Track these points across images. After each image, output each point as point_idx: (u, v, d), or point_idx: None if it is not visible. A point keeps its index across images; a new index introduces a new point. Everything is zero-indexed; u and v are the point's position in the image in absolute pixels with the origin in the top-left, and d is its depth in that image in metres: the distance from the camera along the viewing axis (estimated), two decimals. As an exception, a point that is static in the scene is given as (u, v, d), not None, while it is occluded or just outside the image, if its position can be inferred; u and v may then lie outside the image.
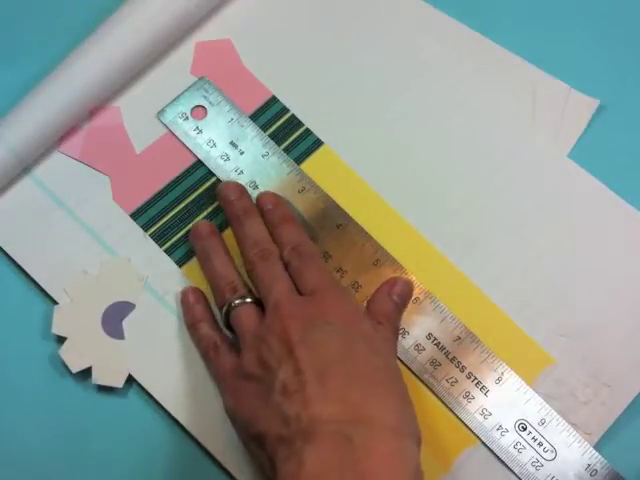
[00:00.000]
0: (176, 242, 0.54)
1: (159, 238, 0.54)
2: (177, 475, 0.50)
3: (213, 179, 0.56)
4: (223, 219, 0.54)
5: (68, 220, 0.54)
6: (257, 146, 0.56)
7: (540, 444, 0.49)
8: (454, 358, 0.51)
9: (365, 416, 0.44)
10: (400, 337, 0.51)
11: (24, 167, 0.55)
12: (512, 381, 0.51)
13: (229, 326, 0.51)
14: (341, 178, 0.56)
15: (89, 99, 0.55)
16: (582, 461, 0.49)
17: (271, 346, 0.46)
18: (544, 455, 0.49)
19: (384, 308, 0.51)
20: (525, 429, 0.50)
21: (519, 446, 0.49)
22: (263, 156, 0.56)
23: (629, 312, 0.52)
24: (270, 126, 0.57)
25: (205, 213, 0.55)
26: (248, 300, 0.50)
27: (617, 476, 0.49)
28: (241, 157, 0.56)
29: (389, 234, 0.54)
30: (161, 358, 0.51)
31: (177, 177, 0.56)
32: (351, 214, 0.54)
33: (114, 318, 0.52)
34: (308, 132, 0.57)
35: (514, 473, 0.49)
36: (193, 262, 0.54)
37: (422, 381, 0.51)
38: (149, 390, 0.51)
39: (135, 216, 0.55)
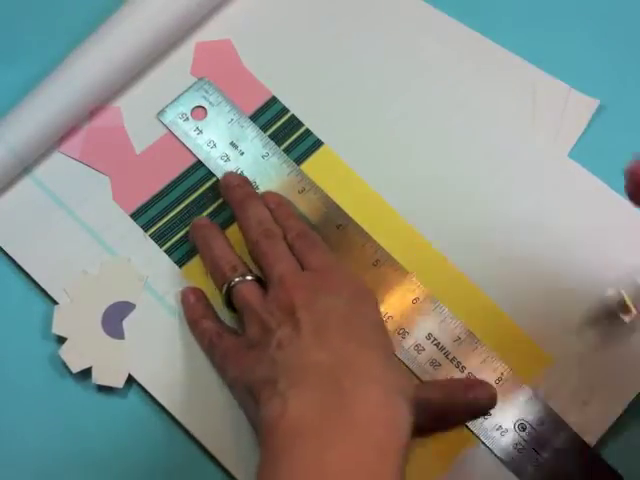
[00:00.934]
0: (176, 242, 0.54)
1: (159, 238, 0.54)
2: (177, 475, 0.50)
3: (213, 179, 0.56)
4: (224, 219, 0.54)
5: (68, 220, 0.54)
6: (257, 147, 0.56)
7: (540, 444, 0.49)
8: (454, 358, 0.51)
9: (357, 366, 0.44)
10: (400, 337, 0.51)
11: (24, 167, 0.55)
12: (512, 381, 0.51)
13: (230, 306, 0.51)
14: (341, 178, 0.56)
15: (89, 99, 0.55)
16: (581, 461, 0.49)
17: (274, 313, 0.47)
18: (544, 455, 0.49)
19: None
20: (525, 429, 0.50)
21: (519, 446, 0.49)
22: (263, 157, 0.56)
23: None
24: (270, 126, 0.57)
25: (205, 213, 0.55)
26: (249, 278, 0.50)
27: (617, 476, 0.49)
28: (241, 158, 0.56)
29: (389, 234, 0.54)
30: (161, 358, 0.51)
31: (177, 177, 0.56)
32: (351, 214, 0.54)
33: (114, 318, 0.52)
34: (308, 132, 0.57)
35: (514, 473, 0.49)
36: (193, 262, 0.54)
37: (422, 381, 0.51)
38: (149, 390, 0.51)
39: (135, 216, 0.55)
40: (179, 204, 0.55)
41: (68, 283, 0.53)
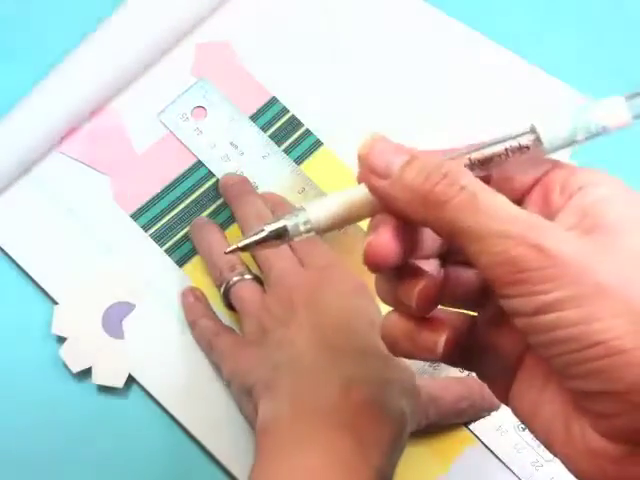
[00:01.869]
0: (176, 242, 0.54)
1: (159, 238, 0.54)
2: (177, 475, 0.50)
3: (213, 179, 0.56)
4: (224, 219, 0.55)
5: (68, 220, 0.54)
6: (257, 147, 0.56)
7: (540, 444, 0.49)
8: (454, 358, 0.51)
9: (355, 366, 0.44)
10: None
11: (24, 167, 0.55)
12: (512, 381, 0.51)
13: (229, 306, 0.51)
14: (340, 179, 0.56)
15: (90, 99, 0.55)
16: (582, 461, 0.49)
17: (273, 312, 0.47)
18: (544, 455, 0.49)
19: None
20: (525, 429, 0.50)
21: (519, 446, 0.49)
22: (263, 157, 0.56)
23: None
24: (270, 127, 0.57)
25: (205, 213, 0.55)
26: (247, 277, 0.50)
27: (617, 476, 0.49)
28: (241, 158, 0.56)
29: (389, 234, 0.54)
30: (161, 358, 0.51)
31: (177, 178, 0.56)
32: (351, 214, 0.54)
33: (114, 318, 0.52)
34: (308, 133, 0.57)
35: (514, 473, 0.49)
36: (193, 262, 0.54)
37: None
38: (149, 390, 0.51)
39: (135, 216, 0.55)
40: (179, 204, 0.55)
41: (68, 283, 0.53)
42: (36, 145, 0.54)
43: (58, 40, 0.57)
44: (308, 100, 0.58)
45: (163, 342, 0.52)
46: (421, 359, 0.35)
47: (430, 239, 0.35)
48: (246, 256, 0.52)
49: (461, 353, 0.34)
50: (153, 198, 0.55)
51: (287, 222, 0.34)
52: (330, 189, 0.55)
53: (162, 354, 0.51)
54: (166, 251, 0.54)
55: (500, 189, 0.31)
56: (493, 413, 0.50)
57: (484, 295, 0.35)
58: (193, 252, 0.54)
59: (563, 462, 0.31)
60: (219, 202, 0.55)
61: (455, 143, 0.53)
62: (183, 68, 0.58)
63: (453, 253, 0.36)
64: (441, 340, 0.33)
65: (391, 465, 0.42)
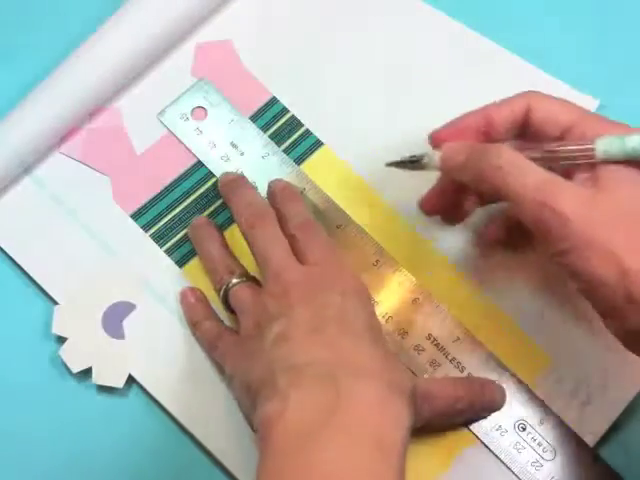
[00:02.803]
0: (176, 243, 0.54)
1: (159, 239, 0.54)
2: (177, 475, 0.50)
3: (213, 180, 0.56)
4: (224, 219, 0.55)
5: (68, 220, 0.54)
6: (257, 147, 0.56)
7: (540, 444, 0.49)
8: (454, 359, 0.51)
9: (354, 363, 0.44)
10: (400, 338, 0.51)
11: (25, 167, 0.55)
12: (511, 381, 0.50)
13: (229, 309, 0.51)
14: (341, 179, 0.56)
15: (90, 100, 0.55)
16: (581, 461, 0.49)
17: (269, 308, 0.46)
18: (544, 455, 0.49)
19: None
20: (525, 429, 0.50)
21: (519, 446, 0.49)
22: (263, 157, 0.56)
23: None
24: (270, 127, 0.57)
25: (205, 214, 0.55)
26: (245, 279, 0.50)
27: (617, 476, 0.49)
28: (241, 158, 0.56)
29: (389, 235, 0.54)
30: (161, 358, 0.51)
31: (177, 178, 0.56)
32: (351, 215, 0.54)
33: (114, 318, 0.52)
34: (308, 133, 0.57)
35: (514, 473, 0.49)
36: (193, 263, 0.54)
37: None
38: (149, 390, 0.51)
39: (135, 217, 0.55)
40: (179, 204, 0.55)
41: (68, 283, 0.53)
42: (36, 145, 0.54)
43: (58, 40, 0.57)
44: (308, 100, 0.58)
45: (163, 342, 0.52)
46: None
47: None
48: (246, 258, 0.52)
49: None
50: (153, 198, 0.55)
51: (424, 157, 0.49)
52: (331, 189, 0.55)
53: (162, 354, 0.51)
54: (166, 251, 0.54)
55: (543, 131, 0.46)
56: (493, 413, 0.50)
57: None
58: (193, 252, 0.54)
59: None
60: (219, 202, 0.55)
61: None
62: (183, 68, 0.58)
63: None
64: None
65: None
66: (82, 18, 0.57)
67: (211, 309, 0.52)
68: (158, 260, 0.54)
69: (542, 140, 0.46)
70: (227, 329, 0.51)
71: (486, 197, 0.51)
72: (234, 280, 0.50)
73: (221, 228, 0.54)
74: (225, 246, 0.53)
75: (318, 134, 0.57)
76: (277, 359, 0.44)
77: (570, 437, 0.49)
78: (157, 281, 0.53)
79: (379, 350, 0.45)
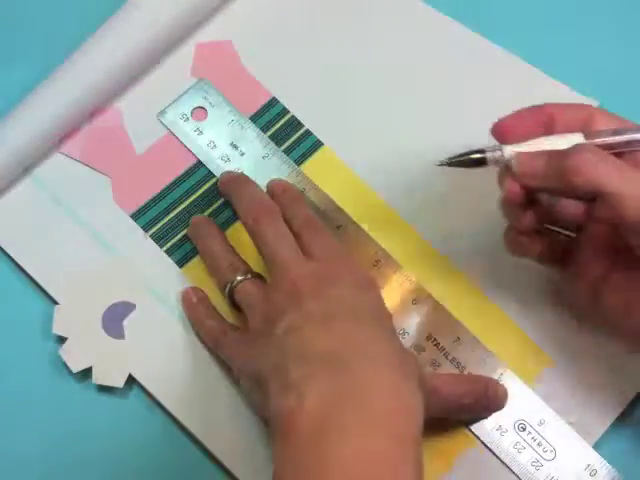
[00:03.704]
0: (177, 243, 0.54)
1: (159, 239, 0.54)
2: (177, 475, 0.50)
3: (213, 180, 0.56)
4: (224, 219, 0.55)
5: (68, 220, 0.54)
6: (257, 147, 0.56)
7: (540, 444, 0.49)
8: (454, 359, 0.51)
9: (368, 351, 0.43)
10: (400, 337, 0.51)
11: (25, 167, 0.55)
12: (511, 381, 0.50)
13: (234, 306, 0.51)
14: (341, 179, 0.56)
15: (90, 100, 0.55)
16: (582, 461, 0.49)
17: (278, 303, 0.46)
18: (544, 455, 0.49)
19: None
20: (525, 429, 0.50)
21: (519, 446, 0.49)
22: (263, 157, 0.56)
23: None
24: (270, 127, 0.57)
25: (206, 214, 0.55)
26: (249, 276, 0.50)
27: (616, 476, 0.49)
28: (241, 158, 0.56)
29: (389, 235, 0.54)
30: (161, 358, 0.51)
31: (177, 178, 0.56)
32: (351, 215, 0.54)
33: (114, 318, 0.52)
34: (308, 133, 0.57)
35: (514, 473, 0.49)
36: (193, 263, 0.54)
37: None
38: (149, 390, 0.51)
39: (135, 217, 0.55)
40: (179, 205, 0.55)
41: (68, 283, 0.53)
42: (36, 145, 0.54)
43: (58, 40, 0.57)
44: (308, 100, 0.58)
45: (163, 342, 0.52)
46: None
47: None
48: (248, 256, 0.52)
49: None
50: (153, 198, 0.55)
51: (487, 154, 0.46)
52: (331, 189, 0.55)
53: (162, 354, 0.51)
54: (166, 251, 0.54)
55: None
56: (494, 413, 0.50)
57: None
58: (193, 252, 0.54)
59: None
60: (219, 203, 0.55)
61: (453, 142, 0.53)
62: (183, 69, 0.58)
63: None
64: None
65: None
66: (82, 18, 0.57)
67: (213, 307, 0.52)
68: (158, 260, 0.54)
69: None
70: (231, 326, 0.51)
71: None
72: (239, 277, 0.50)
73: (222, 227, 0.54)
74: (227, 243, 0.53)
75: (318, 134, 0.57)
76: (289, 350, 0.44)
77: (570, 437, 0.49)
78: (157, 281, 0.53)
79: (390, 339, 0.45)
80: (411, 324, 0.52)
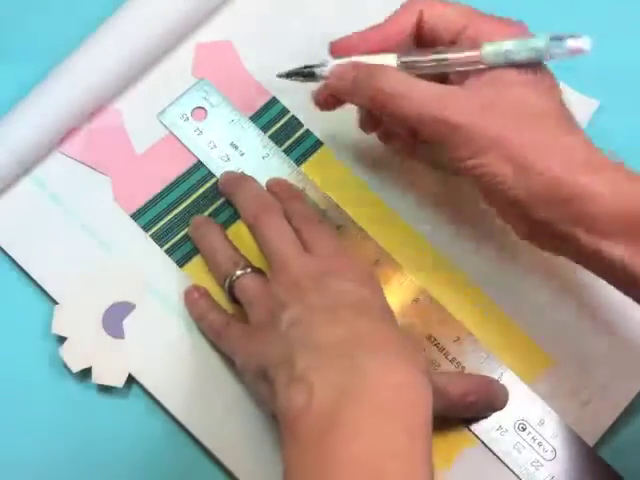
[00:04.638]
0: (177, 243, 0.54)
1: (160, 239, 0.54)
2: (177, 475, 0.50)
3: (213, 180, 0.56)
4: (224, 219, 0.55)
5: (68, 220, 0.54)
6: (257, 147, 0.56)
7: (540, 444, 0.49)
8: (454, 359, 0.51)
9: (373, 343, 0.43)
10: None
11: (25, 167, 0.55)
12: (512, 381, 0.51)
13: (234, 300, 0.51)
14: (341, 179, 0.56)
15: (90, 100, 0.55)
16: (581, 461, 0.49)
17: (280, 296, 0.46)
18: (544, 455, 0.49)
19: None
20: (525, 429, 0.50)
21: (519, 446, 0.49)
22: (263, 157, 0.56)
23: (629, 316, 0.52)
24: (270, 127, 0.57)
25: (206, 214, 0.55)
26: (249, 270, 0.50)
27: (616, 476, 0.49)
28: (241, 158, 0.56)
29: (388, 235, 0.54)
30: (161, 358, 0.51)
31: (178, 178, 0.56)
32: (351, 215, 0.55)
33: (114, 318, 0.52)
34: (308, 133, 0.57)
35: (514, 473, 0.49)
36: (193, 263, 0.54)
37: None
38: (149, 389, 0.51)
39: (135, 217, 0.55)
40: (179, 204, 0.55)
41: (68, 283, 0.53)
42: (36, 145, 0.54)
43: (58, 40, 0.57)
44: (308, 101, 0.57)
45: (163, 342, 0.52)
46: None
47: None
48: (249, 255, 0.52)
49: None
50: (153, 198, 0.55)
51: (315, 68, 0.50)
52: (330, 190, 0.55)
53: (162, 354, 0.51)
54: (166, 251, 0.54)
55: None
56: (494, 413, 0.50)
57: None
58: (193, 252, 0.54)
59: None
60: (219, 202, 0.55)
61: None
62: (183, 69, 0.58)
63: None
64: None
65: None
66: (82, 18, 0.57)
67: (216, 303, 0.52)
68: (158, 260, 0.54)
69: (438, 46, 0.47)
70: (233, 318, 0.51)
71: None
72: (238, 272, 0.50)
73: (222, 227, 0.54)
74: (227, 239, 0.53)
75: (318, 134, 0.57)
76: (295, 341, 0.43)
77: (570, 437, 0.49)
78: (157, 281, 0.53)
79: (395, 331, 0.45)
80: (411, 324, 0.52)
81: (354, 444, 0.39)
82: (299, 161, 0.56)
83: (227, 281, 0.50)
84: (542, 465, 0.49)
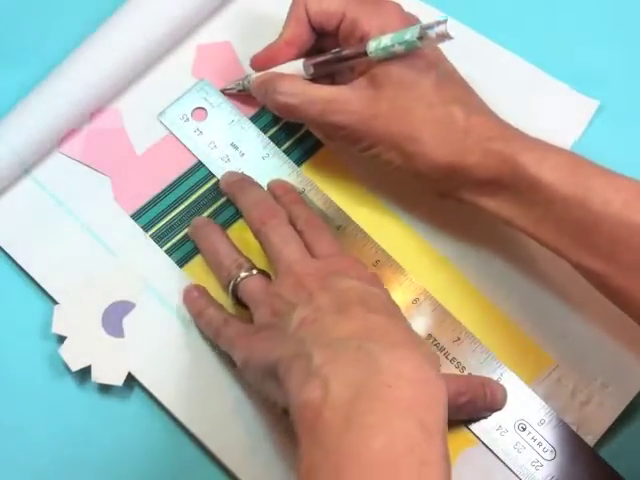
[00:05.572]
0: (177, 243, 0.54)
1: (160, 239, 0.54)
2: (177, 475, 0.50)
3: (213, 180, 0.56)
4: (224, 219, 0.55)
5: (69, 220, 0.54)
6: (257, 148, 0.56)
7: (540, 444, 0.49)
8: (454, 359, 0.51)
9: (386, 337, 0.43)
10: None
11: (25, 168, 0.55)
12: (512, 382, 0.50)
13: (238, 302, 0.51)
14: (341, 180, 0.56)
15: (90, 100, 0.55)
16: (582, 461, 0.49)
17: (287, 297, 0.46)
18: (544, 455, 0.49)
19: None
20: (525, 429, 0.50)
21: (519, 446, 0.49)
22: (263, 158, 0.56)
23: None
24: (270, 128, 0.57)
25: (206, 214, 0.55)
26: (254, 272, 0.50)
27: (616, 476, 0.49)
28: (242, 159, 0.56)
29: (388, 235, 0.54)
30: (161, 356, 0.51)
31: (178, 178, 0.56)
32: (351, 215, 0.55)
33: (114, 317, 0.52)
34: (308, 134, 0.57)
35: (514, 473, 0.49)
36: (193, 263, 0.54)
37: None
38: (149, 388, 0.51)
39: (136, 217, 0.55)
40: (179, 205, 0.55)
41: (68, 283, 0.53)
42: (36, 145, 0.54)
43: (58, 40, 0.57)
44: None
45: (163, 341, 0.52)
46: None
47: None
48: (250, 255, 0.52)
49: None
50: (153, 199, 0.55)
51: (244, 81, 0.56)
52: (330, 190, 0.55)
53: (162, 353, 0.52)
54: (166, 251, 0.54)
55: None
56: (494, 413, 0.50)
57: None
58: (193, 252, 0.54)
59: None
60: (219, 203, 0.55)
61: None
62: (183, 69, 0.58)
63: None
64: None
65: None
66: (82, 18, 0.57)
67: (214, 300, 0.52)
68: (158, 260, 0.54)
69: (346, 39, 0.51)
70: (233, 316, 0.51)
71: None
72: (243, 273, 0.50)
73: (222, 227, 0.54)
74: (229, 241, 0.53)
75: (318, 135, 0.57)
76: (308, 338, 0.43)
77: (570, 437, 0.49)
78: (157, 281, 0.53)
79: (406, 326, 0.45)
80: (411, 324, 0.52)
81: (372, 442, 0.38)
82: (299, 161, 0.56)
83: (231, 283, 0.50)
84: (542, 465, 0.49)
